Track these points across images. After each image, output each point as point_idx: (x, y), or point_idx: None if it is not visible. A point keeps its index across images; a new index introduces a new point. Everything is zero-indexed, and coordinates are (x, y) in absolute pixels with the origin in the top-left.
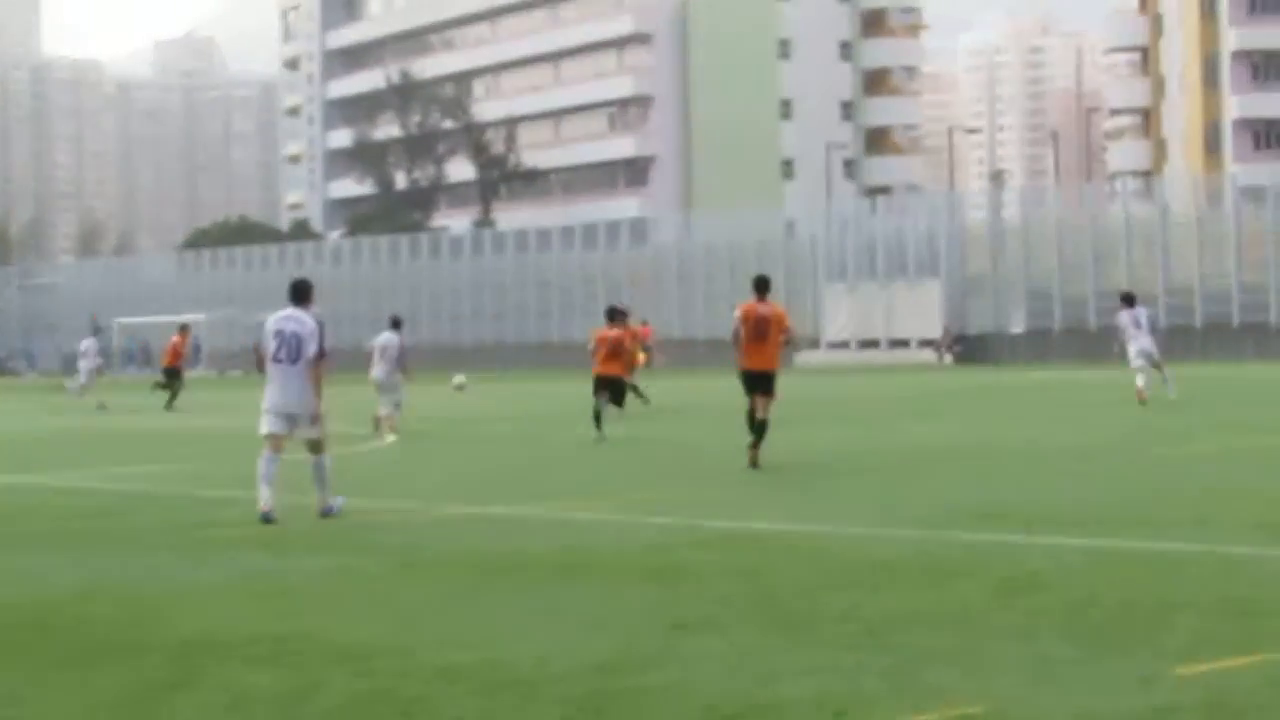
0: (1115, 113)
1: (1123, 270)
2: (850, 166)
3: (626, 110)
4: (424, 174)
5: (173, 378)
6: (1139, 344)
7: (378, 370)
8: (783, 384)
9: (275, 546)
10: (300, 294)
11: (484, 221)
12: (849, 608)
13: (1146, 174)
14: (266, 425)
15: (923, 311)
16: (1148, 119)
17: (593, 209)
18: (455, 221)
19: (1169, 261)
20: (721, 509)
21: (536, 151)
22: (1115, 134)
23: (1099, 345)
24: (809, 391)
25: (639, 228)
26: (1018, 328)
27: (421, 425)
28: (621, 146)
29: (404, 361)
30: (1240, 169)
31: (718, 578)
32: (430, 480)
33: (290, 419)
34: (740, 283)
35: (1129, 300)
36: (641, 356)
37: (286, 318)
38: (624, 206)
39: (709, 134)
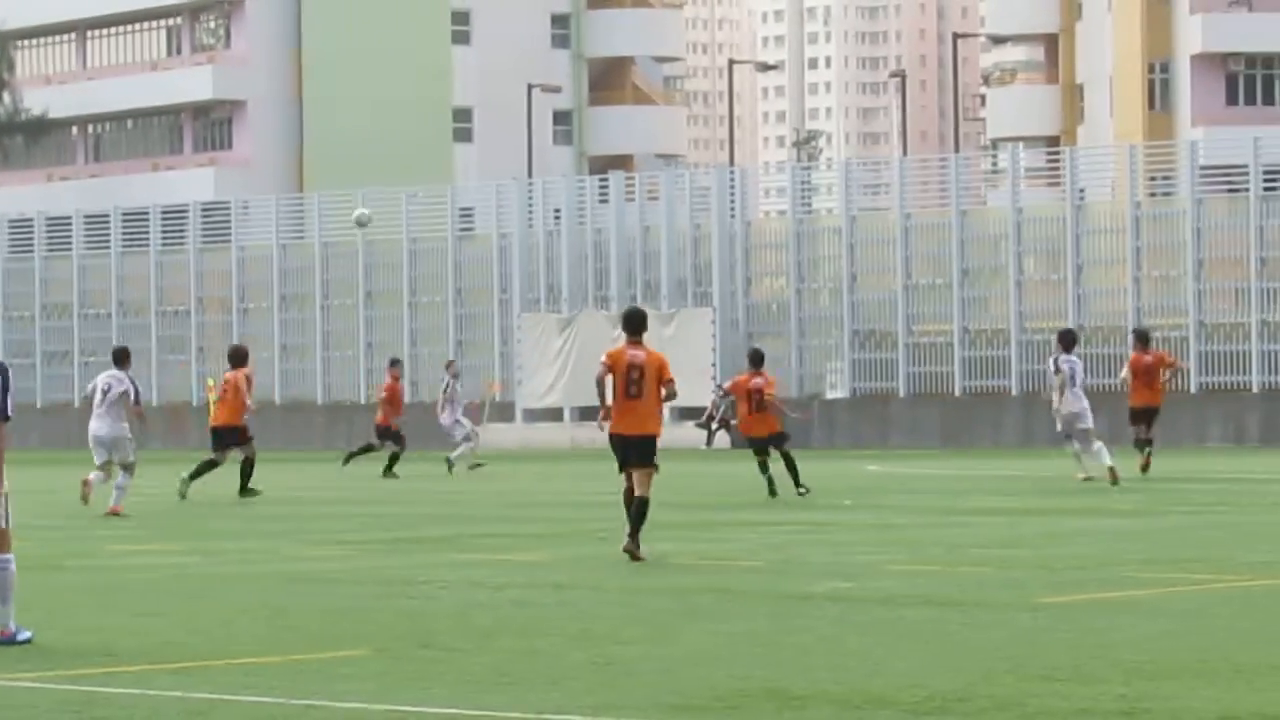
0: (1000, 42)
1: (1008, 295)
2: (566, 122)
3: (196, 26)
4: None
5: None
6: (1071, 408)
7: (100, 424)
8: (434, 475)
9: None
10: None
11: None
12: None
13: (1052, 141)
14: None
15: (684, 362)
16: (1054, 53)
17: (141, 185)
18: None
19: (1086, 284)
20: (362, 677)
21: (48, 89)
22: (1000, 77)
23: (970, 419)
24: (482, 490)
25: (218, 218)
26: (838, 390)
27: None
28: (188, 83)
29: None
30: (1205, 135)
31: None
32: None
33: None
34: (386, 312)
35: (1067, 342)
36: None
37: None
38: (193, 182)
39: (332, 67)
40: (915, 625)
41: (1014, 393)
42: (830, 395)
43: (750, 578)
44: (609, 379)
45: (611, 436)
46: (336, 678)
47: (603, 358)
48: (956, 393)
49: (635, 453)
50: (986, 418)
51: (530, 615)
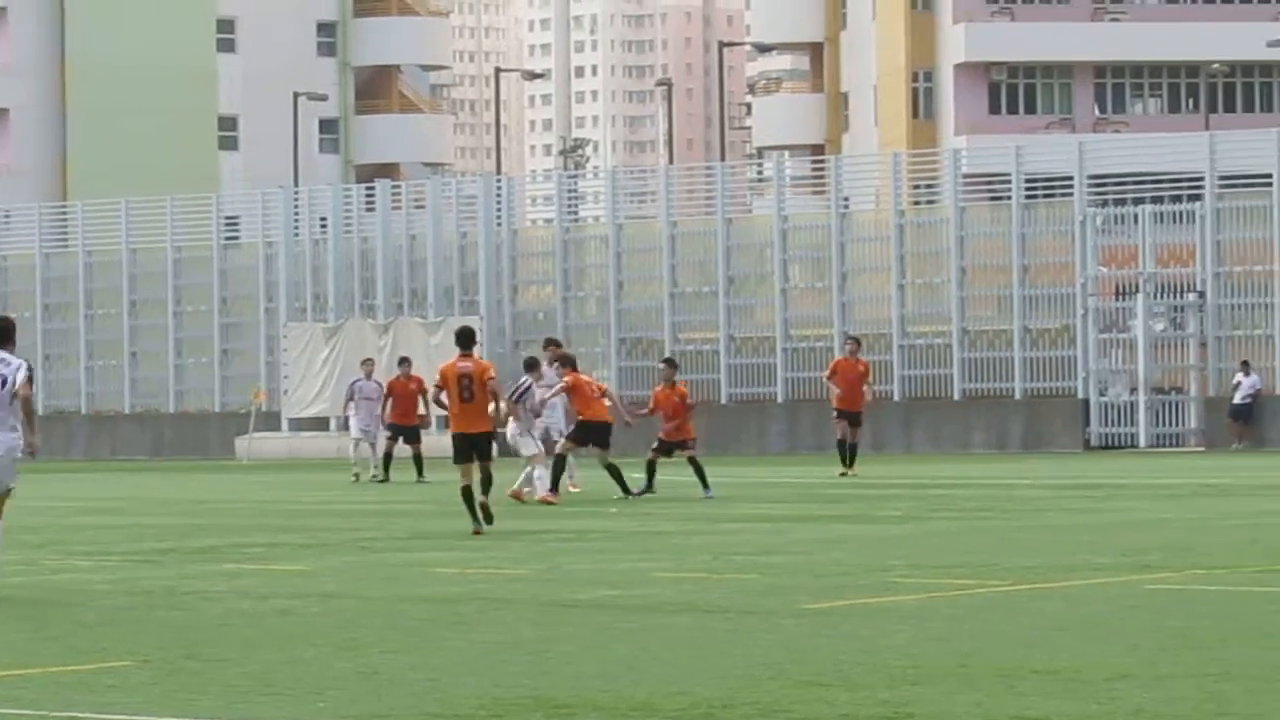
0: (765, 50)
1: (774, 303)
2: (332, 131)
3: None
4: None
5: None
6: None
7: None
8: (199, 485)
9: None
10: (5, 334)
11: None
12: None
13: (817, 150)
14: None
15: None
16: (819, 61)
17: None
18: None
19: (851, 291)
20: (127, 688)
21: None
22: (765, 86)
23: (736, 426)
24: (248, 499)
25: None
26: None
27: None
28: None
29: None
30: (968, 143)
31: None
32: None
33: None
34: (151, 322)
35: (532, 364)
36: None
37: None
38: None
39: (96, 75)
40: (681, 632)
41: (780, 400)
42: None
43: (516, 586)
44: (444, 393)
45: (455, 435)
46: (100, 689)
47: (436, 378)
48: (723, 400)
49: (477, 449)
50: (752, 425)
51: (295, 625)
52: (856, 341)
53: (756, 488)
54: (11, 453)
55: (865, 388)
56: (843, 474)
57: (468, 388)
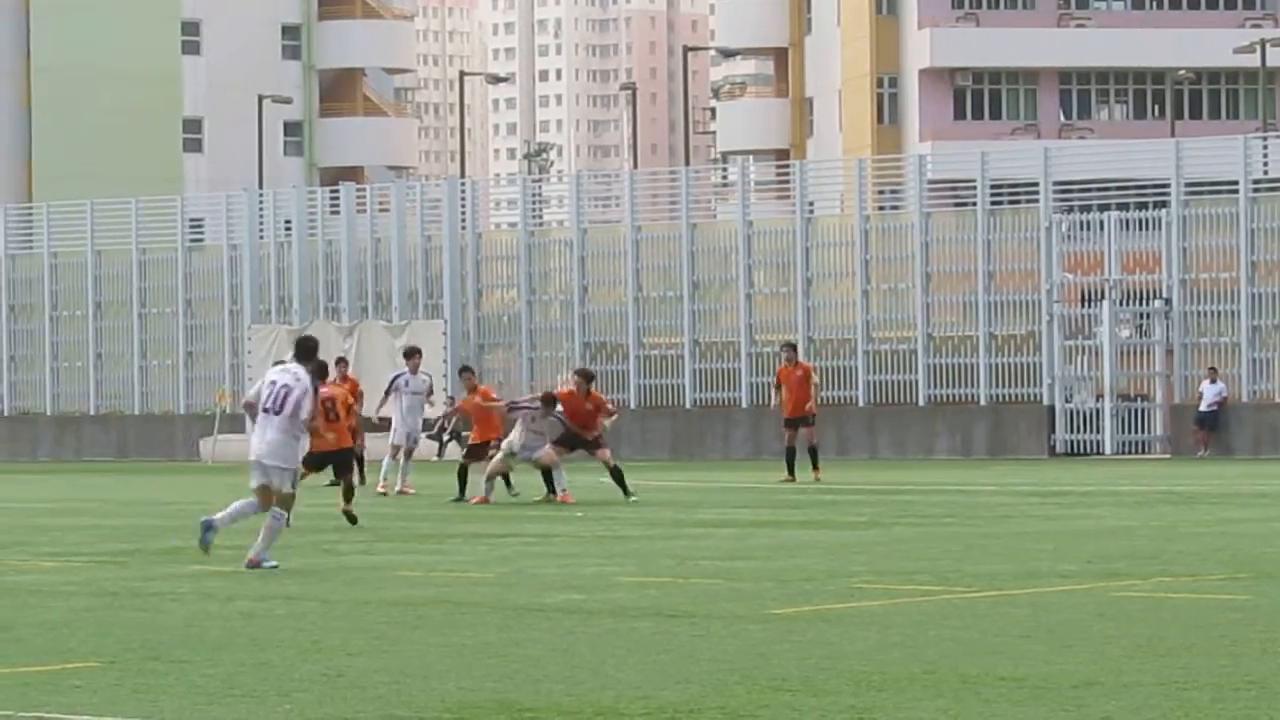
0: (729, 55)
1: (738, 308)
2: (297, 134)
3: None
4: None
5: None
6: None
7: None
8: (164, 487)
9: None
10: (306, 353)
11: None
12: None
13: (782, 155)
14: (252, 478)
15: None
16: (783, 66)
17: None
18: None
19: (815, 297)
20: (92, 689)
21: None
22: (730, 90)
23: (700, 431)
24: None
25: None
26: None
27: None
28: None
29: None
30: (933, 149)
31: None
32: None
33: (264, 470)
34: (116, 324)
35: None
36: None
37: (284, 370)
38: None
39: (61, 76)
40: (646, 637)
41: (744, 405)
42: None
43: (480, 590)
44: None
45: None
46: (66, 690)
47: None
48: (687, 405)
49: (344, 463)
50: (716, 430)
51: (260, 627)
52: (792, 347)
53: (721, 493)
54: (281, 457)
55: (811, 388)
56: (785, 480)
57: (331, 409)
